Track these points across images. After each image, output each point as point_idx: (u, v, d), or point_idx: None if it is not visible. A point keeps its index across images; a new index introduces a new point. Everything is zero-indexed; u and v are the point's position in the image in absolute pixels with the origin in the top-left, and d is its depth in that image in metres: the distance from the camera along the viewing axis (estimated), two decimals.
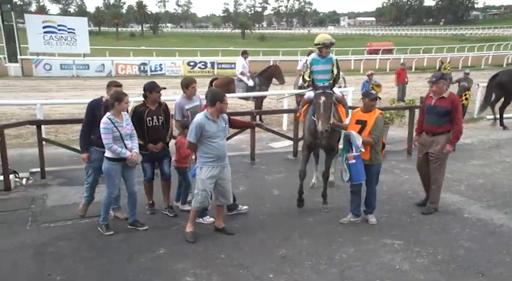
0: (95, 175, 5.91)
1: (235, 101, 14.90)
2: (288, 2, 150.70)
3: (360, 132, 5.66)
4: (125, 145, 5.38)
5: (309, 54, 13.83)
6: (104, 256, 5.05)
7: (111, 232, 5.57)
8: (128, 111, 5.67)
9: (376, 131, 5.71)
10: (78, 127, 11.52)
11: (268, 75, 13.22)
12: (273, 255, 5.09)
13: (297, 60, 18.10)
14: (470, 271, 4.75)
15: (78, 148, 6.62)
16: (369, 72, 14.23)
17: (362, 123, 5.72)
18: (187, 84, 6.14)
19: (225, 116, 5.48)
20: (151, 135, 5.87)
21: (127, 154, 5.34)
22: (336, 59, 6.64)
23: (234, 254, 5.09)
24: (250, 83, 12.79)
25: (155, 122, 5.89)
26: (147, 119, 5.83)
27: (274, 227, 5.84)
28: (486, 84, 12.87)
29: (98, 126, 5.35)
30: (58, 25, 30.05)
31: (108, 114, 5.34)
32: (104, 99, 5.66)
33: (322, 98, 5.80)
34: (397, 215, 6.21)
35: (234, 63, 16.16)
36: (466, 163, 8.88)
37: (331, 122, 5.87)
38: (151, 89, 5.87)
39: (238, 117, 6.99)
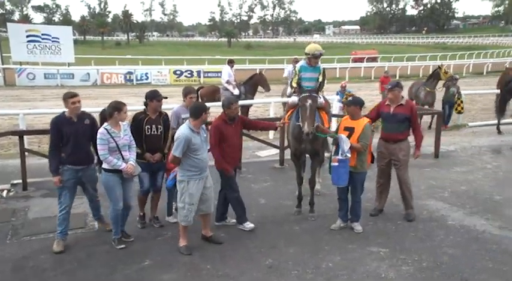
0: (71, 196, 5.48)
1: (221, 110, 14.85)
2: (273, 11, 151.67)
3: (348, 138, 5.74)
4: (122, 156, 5.29)
5: (295, 62, 13.96)
6: (88, 268, 4.98)
7: (123, 246, 5.47)
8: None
9: (365, 138, 5.79)
10: None
11: (253, 84, 13.25)
12: (260, 264, 5.07)
13: (283, 69, 18.15)
14: (454, 277, 4.79)
15: None
16: (343, 84, 13.92)
17: (350, 130, 5.82)
18: (186, 94, 6.14)
19: (203, 126, 5.46)
20: (149, 144, 5.76)
21: (122, 165, 5.24)
22: (324, 68, 6.70)
23: (219, 265, 5.05)
24: (236, 91, 12.79)
25: (154, 131, 5.77)
26: (146, 127, 5.72)
27: (260, 236, 5.83)
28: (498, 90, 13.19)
29: (66, 144, 5.24)
30: (42, 34, 29.68)
31: (105, 124, 5.27)
32: (66, 114, 5.36)
33: (309, 101, 5.90)
34: (383, 223, 6.25)
35: (221, 72, 16.15)
36: (449, 169, 8.99)
37: (317, 124, 5.93)
38: (152, 97, 5.77)
39: None
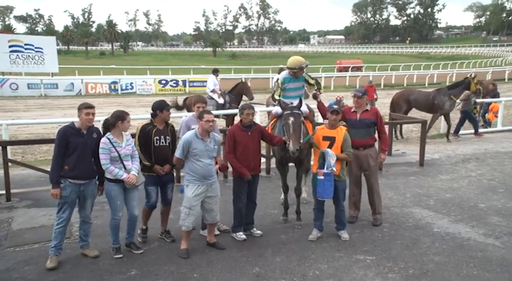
0: (71, 211, 5.28)
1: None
2: (258, 21, 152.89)
3: (329, 148, 5.81)
4: (124, 165, 5.25)
5: (279, 72, 14.01)
6: (73, 279, 4.90)
7: (120, 255, 5.40)
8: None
9: (349, 147, 5.90)
10: (46, 147, 11.41)
11: (237, 92, 13.29)
12: (247, 273, 5.06)
13: (269, 78, 18.23)
14: None
15: (46, 168, 6.44)
16: (339, 97, 13.86)
17: (330, 140, 5.88)
18: (194, 103, 6.06)
19: (217, 137, 5.54)
20: (157, 156, 5.63)
21: (123, 175, 5.20)
22: (307, 74, 6.67)
23: (207, 274, 5.03)
24: (221, 100, 12.82)
25: (162, 142, 5.66)
26: (155, 138, 5.61)
27: (247, 244, 5.82)
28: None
29: (70, 156, 5.09)
30: (25, 44, 29.38)
31: (108, 134, 5.24)
32: (76, 125, 5.20)
33: (291, 119, 5.90)
34: (369, 231, 6.29)
35: (206, 81, 16.19)
36: (434, 177, 9.10)
37: (302, 141, 5.95)
38: (162, 108, 5.68)
39: None
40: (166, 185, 5.84)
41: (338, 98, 13.56)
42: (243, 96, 13.35)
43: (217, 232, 5.98)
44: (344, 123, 6.40)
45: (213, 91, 12.99)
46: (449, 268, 5.19)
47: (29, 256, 5.44)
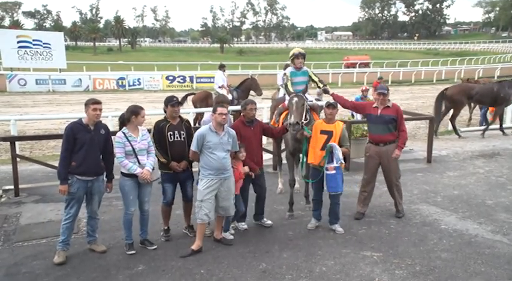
0: (78, 206, 5.29)
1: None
2: (266, 17, 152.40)
3: (327, 142, 5.94)
4: (138, 160, 5.29)
5: (285, 68, 14.00)
6: (81, 274, 4.94)
7: (133, 252, 5.43)
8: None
9: (347, 141, 6.13)
10: (54, 143, 11.49)
11: (245, 88, 13.27)
12: (254, 269, 5.06)
13: (276, 74, 18.18)
14: None
15: (53, 163, 6.47)
16: (364, 88, 13.55)
17: (328, 134, 6.00)
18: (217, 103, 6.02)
19: (232, 131, 5.56)
20: (173, 152, 5.59)
21: (137, 170, 5.23)
22: (311, 70, 7.10)
23: (214, 269, 5.04)
24: (229, 96, 12.81)
25: (177, 137, 5.61)
26: (168, 133, 5.58)
27: (254, 240, 5.83)
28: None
29: (78, 152, 5.08)
30: (33, 40, 29.61)
31: (124, 128, 5.31)
32: (83, 121, 5.20)
33: (295, 99, 6.19)
34: (376, 227, 6.27)
35: (213, 77, 16.19)
36: (442, 174, 9.05)
37: (303, 120, 6.11)
38: (167, 103, 5.66)
39: None
40: (185, 182, 5.83)
41: (364, 88, 13.41)
42: (251, 91, 13.32)
43: (207, 232, 5.84)
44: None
45: (221, 87, 12.96)
46: (457, 265, 5.16)
47: (37, 251, 5.48)
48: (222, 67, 13.72)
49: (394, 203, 6.77)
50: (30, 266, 5.12)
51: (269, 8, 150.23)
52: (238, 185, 5.79)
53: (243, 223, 6.22)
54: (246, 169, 5.83)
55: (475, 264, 5.18)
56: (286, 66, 13.88)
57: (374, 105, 6.54)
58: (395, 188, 6.67)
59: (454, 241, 5.84)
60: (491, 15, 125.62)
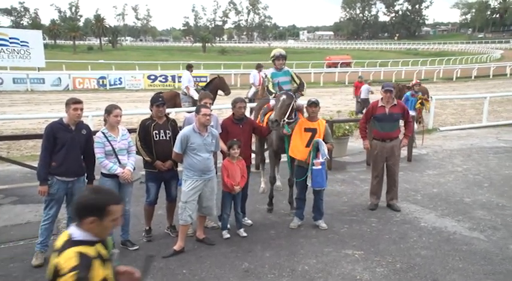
0: (58, 207, 5.19)
1: (182, 115, 14.80)
2: (248, 16, 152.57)
3: (311, 139, 6.04)
4: (118, 160, 5.23)
5: (257, 67, 14.10)
6: None
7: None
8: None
9: (331, 137, 6.32)
10: (33, 143, 11.28)
11: (213, 88, 13.15)
12: (236, 268, 5.06)
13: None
14: (426, 278, 4.88)
15: (32, 163, 6.35)
16: (414, 82, 12.50)
17: (312, 131, 6.11)
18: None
19: (215, 131, 5.54)
20: (159, 151, 5.55)
21: (117, 170, 5.18)
22: (293, 71, 7.14)
23: (196, 269, 5.02)
24: (196, 96, 12.72)
25: (162, 136, 5.58)
26: (154, 132, 5.54)
27: (236, 240, 5.83)
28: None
29: (58, 152, 4.99)
30: (10, 38, 28.91)
31: (103, 128, 5.26)
32: (64, 120, 5.09)
33: (283, 97, 6.18)
34: (358, 226, 6.33)
35: (196, 77, 16.10)
36: (422, 173, 9.19)
37: (285, 120, 6.08)
38: (152, 103, 5.62)
39: None
40: (170, 181, 5.79)
41: (414, 82, 13.16)
42: (219, 91, 13.23)
43: (190, 231, 5.83)
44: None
45: (187, 87, 12.93)
46: (436, 262, 5.25)
47: (14, 253, 5.38)
48: (189, 67, 13.67)
49: (388, 198, 7.02)
50: (7, 269, 5.02)
51: (251, 7, 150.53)
52: (242, 181, 5.93)
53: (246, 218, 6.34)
54: (237, 189, 5.84)
55: (453, 261, 5.28)
56: (258, 65, 14.00)
57: (380, 105, 6.78)
58: (395, 182, 6.99)
59: (433, 238, 5.94)
60: (468, 16, 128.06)
